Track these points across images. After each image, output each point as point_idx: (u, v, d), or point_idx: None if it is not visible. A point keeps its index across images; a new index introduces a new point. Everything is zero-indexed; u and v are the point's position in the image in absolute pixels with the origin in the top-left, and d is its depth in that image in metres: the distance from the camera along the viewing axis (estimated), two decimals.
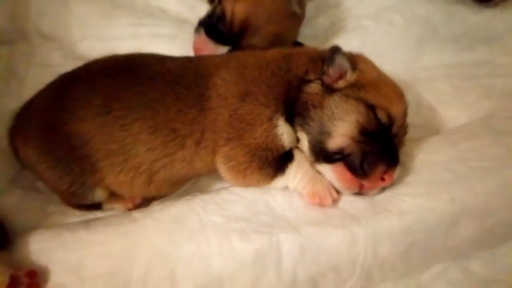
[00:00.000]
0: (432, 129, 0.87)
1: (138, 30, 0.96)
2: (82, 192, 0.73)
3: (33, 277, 0.66)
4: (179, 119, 0.71)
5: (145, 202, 0.81)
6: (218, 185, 0.82)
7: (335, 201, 0.70)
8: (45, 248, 0.69)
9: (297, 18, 0.90)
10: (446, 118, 0.89)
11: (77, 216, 0.80)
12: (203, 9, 1.01)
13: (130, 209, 0.79)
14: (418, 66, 0.97)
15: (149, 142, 0.70)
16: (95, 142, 0.70)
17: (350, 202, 0.71)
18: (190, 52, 0.91)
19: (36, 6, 0.96)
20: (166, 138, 0.71)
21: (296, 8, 0.87)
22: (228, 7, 0.85)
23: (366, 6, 1.04)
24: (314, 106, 0.71)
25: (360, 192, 0.70)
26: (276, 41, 0.86)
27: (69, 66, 0.94)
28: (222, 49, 0.86)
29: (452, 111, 0.89)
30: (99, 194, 0.75)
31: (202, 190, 0.81)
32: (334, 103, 0.70)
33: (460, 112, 0.89)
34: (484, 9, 1.05)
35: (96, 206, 0.79)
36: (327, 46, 0.97)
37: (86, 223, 0.73)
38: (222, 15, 0.85)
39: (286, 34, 0.89)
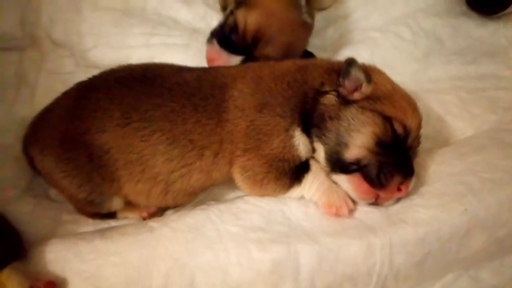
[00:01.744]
0: (441, 140, 0.89)
1: (150, 39, 0.96)
2: (100, 201, 0.74)
3: (52, 287, 0.66)
4: (197, 130, 0.72)
5: (159, 211, 0.81)
6: (232, 194, 0.82)
7: (351, 212, 0.72)
8: (61, 258, 0.69)
9: (307, 28, 0.91)
10: (454, 129, 0.91)
11: (91, 225, 0.79)
12: (214, 19, 1.02)
13: (144, 218, 0.80)
14: (425, 78, 0.99)
15: (167, 153, 0.71)
16: (114, 152, 0.71)
17: (365, 213, 0.72)
18: (202, 62, 0.92)
19: (48, 12, 0.96)
20: (184, 149, 0.71)
21: (306, 17, 0.89)
22: (240, 17, 0.85)
23: (374, 18, 1.06)
24: (330, 118, 0.72)
25: (375, 202, 0.71)
26: (288, 50, 0.88)
27: (80, 73, 0.96)
28: (235, 59, 0.87)
29: (460, 123, 0.91)
30: (116, 203, 0.76)
31: (216, 199, 0.82)
32: (351, 114, 0.71)
33: (467, 124, 0.91)
34: (488, 22, 1.08)
35: (111, 215, 0.79)
36: (337, 57, 1.01)
37: (101, 232, 0.73)
38: (235, 26, 0.86)
39: (297, 44, 0.90)
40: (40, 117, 0.78)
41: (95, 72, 0.92)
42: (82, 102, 0.73)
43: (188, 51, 0.96)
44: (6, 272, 0.65)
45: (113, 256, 0.68)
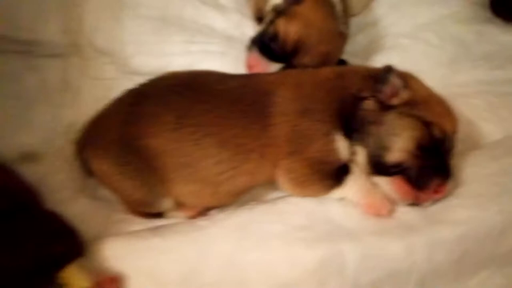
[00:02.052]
0: (471, 143, 0.92)
1: (189, 47, 1.00)
2: (153, 201, 0.78)
3: (115, 283, 0.70)
4: (244, 134, 0.76)
5: (204, 211, 0.85)
6: (271, 195, 0.86)
7: (390, 212, 0.75)
8: (119, 255, 0.73)
9: (343, 38, 0.95)
10: (483, 132, 0.94)
11: (140, 223, 0.83)
12: (248, 27, 1.07)
13: (190, 218, 0.84)
14: (453, 83, 1.02)
15: (216, 156, 0.75)
16: (167, 155, 0.75)
17: (404, 213, 0.75)
18: (239, 69, 0.96)
19: (90, 21, 1.01)
20: (232, 152, 0.75)
21: (343, 28, 0.93)
22: (281, 27, 0.90)
23: (403, 25, 1.09)
24: (371, 122, 0.76)
25: (414, 203, 0.75)
26: (325, 59, 0.92)
27: (121, 80, 1.01)
28: (274, 67, 0.91)
29: (489, 126, 0.94)
30: (167, 204, 0.80)
31: (256, 199, 0.86)
32: (391, 119, 0.75)
33: (496, 127, 0.94)
34: None
35: (159, 215, 0.83)
36: (368, 63, 1.05)
37: (154, 231, 0.77)
38: (275, 35, 0.90)
39: (334, 53, 0.94)
40: (95, 122, 0.82)
41: (136, 78, 0.96)
42: (136, 108, 0.77)
43: (225, 58, 1.00)
44: (69, 269, 0.69)
45: (168, 253, 0.72)
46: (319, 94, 0.78)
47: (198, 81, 0.80)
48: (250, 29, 1.06)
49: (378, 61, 1.01)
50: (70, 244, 0.72)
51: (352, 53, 1.06)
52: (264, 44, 0.91)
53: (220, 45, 1.01)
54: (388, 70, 0.77)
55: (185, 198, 0.79)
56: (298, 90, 0.79)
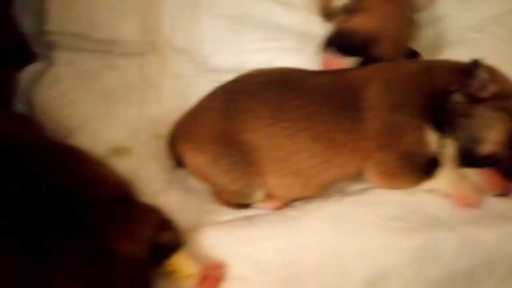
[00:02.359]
0: None
1: (265, 44, 1.03)
2: (248, 193, 0.81)
3: (220, 269, 0.74)
4: (336, 129, 0.79)
5: (289, 202, 0.88)
6: (355, 187, 0.88)
7: (480, 202, 0.78)
8: (218, 243, 0.77)
9: (415, 26, 0.98)
10: None
11: (228, 214, 0.86)
12: (316, 23, 1.09)
13: (276, 209, 0.87)
14: None
15: (310, 150, 0.78)
16: (264, 149, 0.78)
17: (494, 203, 0.78)
18: (314, 65, 0.98)
19: (168, 21, 1.05)
20: (324, 146, 0.78)
21: (413, 15, 0.96)
22: (358, 24, 0.92)
23: (469, 19, 1.10)
24: (461, 115, 0.78)
25: (503, 194, 0.77)
26: (400, 50, 0.94)
27: (200, 77, 1.04)
28: (350, 61, 0.94)
29: None
30: (259, 195, 0.83)
31: (339, 191, 0.88)
32: (483, 112, 0.77)
33: None
34: None
35: (246, 205, 0.87)
36: (438, 56, 1.06)
37: (249, 221, 0.81)
38: (350, 31, 0.93)
39: (407, 40, 0.98)
40: (189, 118, 0.85)
41: (214, 76, 1.02)
42: (232, 105, 0.80)
43: (300, 54, 1.02)
44: (177, 257, 0.73)
45: (267, 241, 0.76)
46: (409, 88, 0.80)
47: (289, 78, 0.83)
48: (318, 26, 1.08)
49: (447, 55, 1.03)
50: (175, 233, 0.76)
51: (420, 47, 1.07)
52: (339, 39, 0.94)
53: (295, 42, 1.04)
54: (476, 64, 0.79)
55: (277, 190, 0.82)
56: (388, 84, 0.81)
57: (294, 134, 0.78)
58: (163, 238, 0.73)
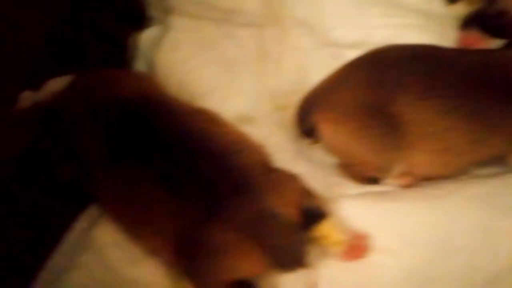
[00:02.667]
0: None
1: (388, 20, 1.01)
2: (387, 166, 0.79)
3: (364, 240, 0.73)
4: (491, 109, 0.76)
5: (418, 181, 0.86)
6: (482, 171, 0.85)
7: None
8: (357, 215, 0.76)
9: None
10: None
11: (354, 188, 0.84)
12: (438, 1, 1.05)
13: (403, 186, 0.85)
14: None
15: (462, 128, 0.75)
16: (413, 124, 0.76)
17: None
18: (439, 43, 0.95)
19: None
20: (478, 126, 0.76)
21: None
22: (508, 2, 0.90)
23: None
24: None
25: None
26: None
27: (319, 50, 1.02)
28: (494, 43, 0.91)
29: None
30: (396, 170, 0.81)
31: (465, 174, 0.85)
32: None
33: None
34: None
35: (375, 181, 0.85)
36: None
37: (384, 196, 0.80)
38: (500, 10, 0.90)
39: None
40: (326, 88, 0.84)
41: (334, 50, 1.01)
42: (379, 76, 0.79)
43: (424, 32, 0.99)
44: (325, 225, 0.72)
45: (409, 216, 0.75)
46: None
47: (436, 54, 0.81)
48: (439, 5, 1.05)
49: None
50: (322, 199, 0.76)
51: None
52: (488, 22, 0.91)
53: (418, 19, 1.01)
54: None
55: (418, 166, 0.80)
56: None
57: (446, 111, 0.76)
58: (311, 204, 0.73)
